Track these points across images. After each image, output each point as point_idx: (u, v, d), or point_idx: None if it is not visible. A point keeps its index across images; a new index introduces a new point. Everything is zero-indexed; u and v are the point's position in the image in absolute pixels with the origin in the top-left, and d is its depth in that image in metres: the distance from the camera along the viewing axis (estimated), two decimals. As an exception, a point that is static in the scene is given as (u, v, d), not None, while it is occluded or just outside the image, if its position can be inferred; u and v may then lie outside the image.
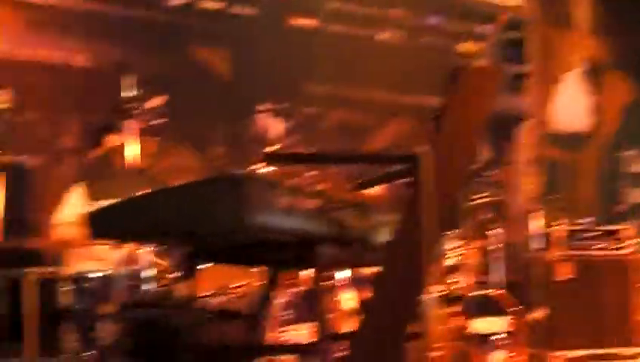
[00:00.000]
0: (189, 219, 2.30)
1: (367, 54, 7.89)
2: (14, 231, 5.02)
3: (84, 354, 3.95)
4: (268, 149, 5.21)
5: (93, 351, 3.92)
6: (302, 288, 5.08)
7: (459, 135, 2.74)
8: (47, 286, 4.15)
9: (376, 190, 4.89)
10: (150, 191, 2.49)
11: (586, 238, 6.30)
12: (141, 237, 2.50)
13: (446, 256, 5.92)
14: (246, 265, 3.78)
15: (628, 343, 6.16)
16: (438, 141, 2.71)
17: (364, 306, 3.12)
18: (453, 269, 5.94)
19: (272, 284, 3.05)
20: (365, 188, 3.10)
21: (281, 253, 2.69)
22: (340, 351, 3.05)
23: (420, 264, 2.71)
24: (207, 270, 4.86)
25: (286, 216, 2.39)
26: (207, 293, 4.73)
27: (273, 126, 5.94)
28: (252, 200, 2.23)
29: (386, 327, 2.76)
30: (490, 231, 6.30)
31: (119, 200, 2.53)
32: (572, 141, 8.70)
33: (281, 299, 5.06)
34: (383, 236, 2.94)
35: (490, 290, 5.98)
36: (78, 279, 4.15)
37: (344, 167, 5.07)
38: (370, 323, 2.79)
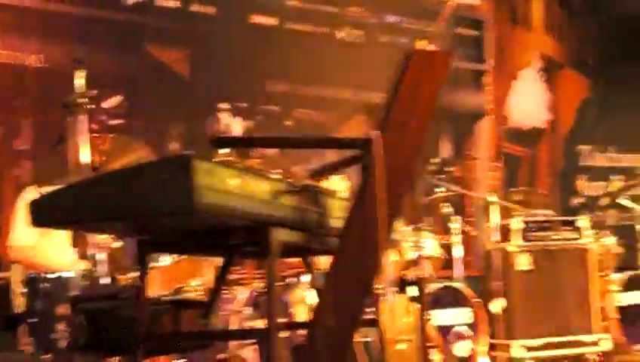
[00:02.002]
0: (134, 202, 2.22)
1: (327, 52, 7.89)
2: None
3: (41, 355, 3.90)
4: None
5: (51, 352, 3.88)
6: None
7: (409, 118, 2.75)
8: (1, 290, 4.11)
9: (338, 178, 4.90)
10: (94, 175, 2.42)
11: (544, 229, 6.37)
12: (85, 223, 2.40)
13: (408, 249, 5.95)
14: (198, 253, 3.75)
15: (588, 330, 6.24)
16: (389, 124, 2.72)
17: (319, 294, 3.11)
18: (415, 262, 5.96)
19: (225, 272, 3.03)
20: (320, 175, 3.09)
21: (234, 239, 2.64)
22: (298, 338, 3.05)
23: (373, 250, 2.71)
24: (172, 268, 4.86)
25: (238, 198, 2.34)
26: (170, 290, 4.70)
27: (233, 124, 5.92)
28: (199, 180, 2.16)
29: (339, 316, 2.74)
30: (450, 225, 6.35)
31: (62, 186, 2.46)
32: (530, 136, 8.79)
33: (244, 294, 5.05)
34: (339, 222, 2.93)
35: (451, 282, 6.03)
36: (33, 281, 4.08)
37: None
38: (323, 311, 2.78)
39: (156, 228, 2.55)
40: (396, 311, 5.38)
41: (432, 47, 2.87)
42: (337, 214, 2.97)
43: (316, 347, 2.70)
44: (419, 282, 5.74)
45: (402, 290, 5.49)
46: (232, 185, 2.32)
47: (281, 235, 2.57)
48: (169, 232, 2.66)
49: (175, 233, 2.66)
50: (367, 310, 3.07)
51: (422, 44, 2.98)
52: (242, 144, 3.76)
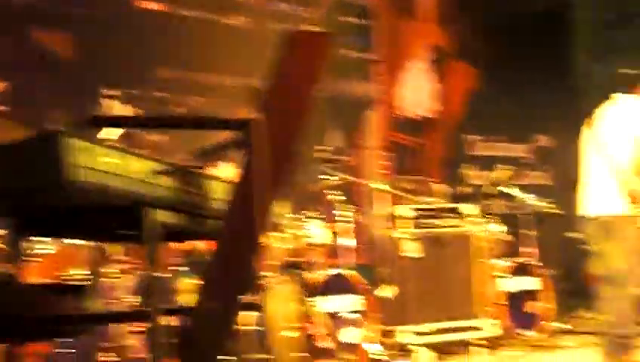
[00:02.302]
0: (5, 179, 2.14)
1: (216, 39, 7.81)
2: None
3: None
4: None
5: None
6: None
7: (290, 100, 2.74)
8: None
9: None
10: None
11: (432, 217, 6.48)
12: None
13: (296, 235, 5.95)
14: (77, 237, 3.64)
15: (475, 316, 6.39)
16: (269, 106, 2.69)
17: (202, 276, 3.06)
18: (303, 248, 5.98)
19: (101, 255, 2.96)
20: (202, 157, 3.05)
21: (111, 220, 2.57)
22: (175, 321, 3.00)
23: (253, 232, 2.69)
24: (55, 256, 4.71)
25: (112, 177, 2.27)
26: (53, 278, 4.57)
27: (120, 111, 5.80)
28: (70, 156, 2.09)
29: (220, 299, 2.71)
30: (340, 213, 6.38)
31: None
32: (419, 126, 8.92)
33: (130, 281, 4.95)
34: (221, 205, 2.89)
35: (341, 269, 6.06)
36: None
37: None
38: (204, 294, 2.74)
39: (30, 208, 2.45)
40: (283, 298, 5.38)
41: (311, 30, 2.86)
42: (220, 197, 2.92)
43: (197, 329, 2.66)
44: (307, 268, 5.76)
45: (289, 276, 5.49)
46: (106, 163, 2.25)
47: (159, 216, 2.51)
48: (44, 214, 2.56)
49: (51, 215, 2.56)
50: (252, 296, 3.04)
51: (303, 29, 2.97)
52: (119, 123, 3.67)
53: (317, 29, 2.84)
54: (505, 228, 7.52)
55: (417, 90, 8.90)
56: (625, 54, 14.95)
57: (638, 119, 5.18)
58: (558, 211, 7.80)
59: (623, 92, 5.42)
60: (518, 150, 9.85)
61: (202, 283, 2.86)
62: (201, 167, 2.94)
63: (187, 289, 4.95)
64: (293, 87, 2.70)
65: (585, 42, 14.91)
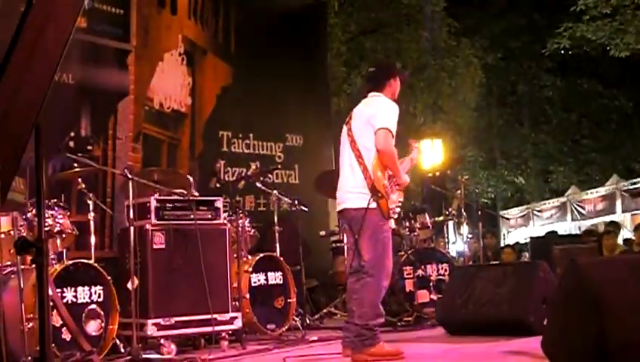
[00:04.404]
0: None
1: None
2: None
3: None
4: None
5: None
6: None
7: (31, 65, 2.57)
8: None
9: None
10: None
11: (181, 209, 6.42)
12: None
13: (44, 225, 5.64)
14: None
15: (221, 309, 6.39)
16: (10, 67, 2.51)
17: None
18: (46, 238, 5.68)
19: None
20: None
21: None
22: None
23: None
24: None
25: None
26: None
27: None
28: None
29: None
30: (88, 202, 6.16)
31: None
32: (171, 119, 8.84)
33: None
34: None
35: (84, 260, 5.85)
36: None
37: None
38: None
39: None
40: (21, 288, 5.09)
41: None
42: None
43: None
44: (48, 257, 5.48)
45: (28, 265, 5.22)
46: None
47: None
48: None
49: None
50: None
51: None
52: None
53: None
54: (253, 223, 7.61)
55: (170, 83, 8.80)
56: (375, 60, 15.80)
57: (380, 115, 5.43)
58: (304, 208, 8.02)
59: (372, 91, 5.66)
60: (268, 148, 10.01)
61: None
62: None
63: None
64: (37, 49, 2.54)
65: (337, 47, 15.59)
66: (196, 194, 6.68)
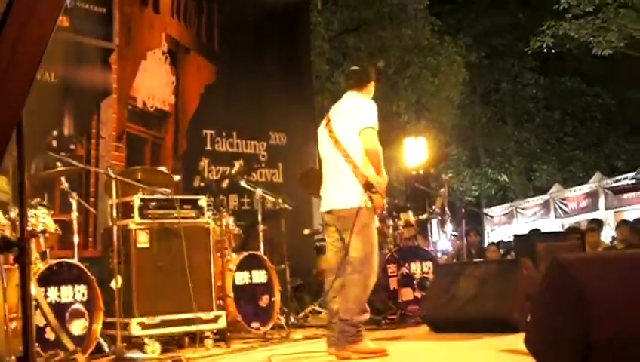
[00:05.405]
0: None
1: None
2: None
3: None
4: None
5: None
6: None
7: (13, 63, 2.56)
8: None
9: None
10: None
11: (164, 208, 6.41)
12: None
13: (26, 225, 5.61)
14: None
15: (205, 308, 6.37)
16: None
17: None
18: (31, 237, 5.65)
19: None
20: None
21: None
22: None
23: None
24: None
25: None
26: None
27: None
28: None
29: None
30: (71, 201, 6.13)
31: None
32: (154, 118, 8.81)
33: None
34: None
35: (68, 259, 5.83)
36: None
37: None
38: None
39: None
40: (8, 288, 5.05)
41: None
42: None
43: None
44: (30, 256, 5.45)
45: (10, 264, 5.18)
46: None
47: None
48: None
49: None
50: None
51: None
52: None
53: None
54: (237, 222, 7.60)
55: (154, 83, 8.78)
56: (358, 58, 15.83)
57: (362, 114, 5.46)
58: (289, 207, 8.02)
59: (352, 90, 5.69)
60: (252, 146, 10.00)
61: None
62: None
63: None
64: (20, 44, 2.53)
65: (320, 45, 15.58)
66: (179, 193, 6.66)
